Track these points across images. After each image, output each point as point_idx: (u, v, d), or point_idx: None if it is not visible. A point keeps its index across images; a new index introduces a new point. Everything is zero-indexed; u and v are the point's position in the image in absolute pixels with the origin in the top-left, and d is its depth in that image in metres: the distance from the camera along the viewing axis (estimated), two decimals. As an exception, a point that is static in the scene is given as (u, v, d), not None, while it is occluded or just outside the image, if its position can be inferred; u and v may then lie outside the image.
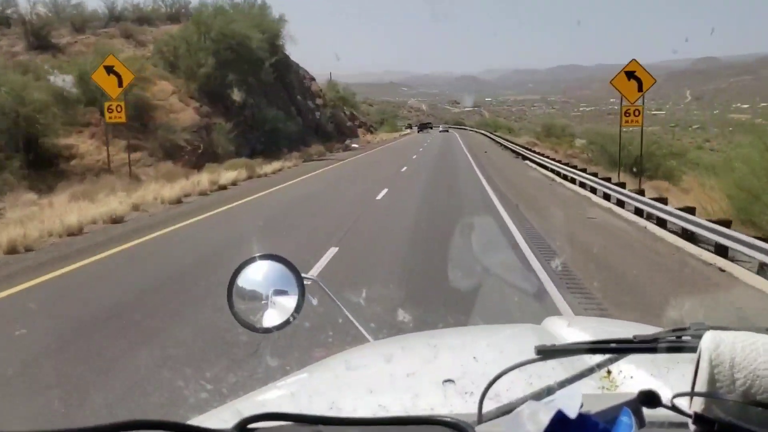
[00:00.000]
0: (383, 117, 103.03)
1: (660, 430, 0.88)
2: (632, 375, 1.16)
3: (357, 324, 1.71)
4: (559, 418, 0.81)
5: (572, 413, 0.82)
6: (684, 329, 0.97)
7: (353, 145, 48.44)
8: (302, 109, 45.42)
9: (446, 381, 1.19)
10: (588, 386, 1.06)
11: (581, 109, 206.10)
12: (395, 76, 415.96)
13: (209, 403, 2.17)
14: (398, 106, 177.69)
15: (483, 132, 77.53)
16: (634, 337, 1.00)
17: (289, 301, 1.56)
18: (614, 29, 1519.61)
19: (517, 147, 37.55)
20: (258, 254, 1.66)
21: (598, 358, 1.02)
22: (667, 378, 1.11)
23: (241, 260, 1.68)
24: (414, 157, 35.80)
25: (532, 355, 0.97)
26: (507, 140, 47.98)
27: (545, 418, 0.80)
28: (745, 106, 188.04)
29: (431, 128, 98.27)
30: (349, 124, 60.59)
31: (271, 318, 1.57)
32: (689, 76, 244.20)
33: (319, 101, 52.02)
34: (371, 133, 70.87)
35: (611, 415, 0.88)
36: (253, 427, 0.82)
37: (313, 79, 56.20)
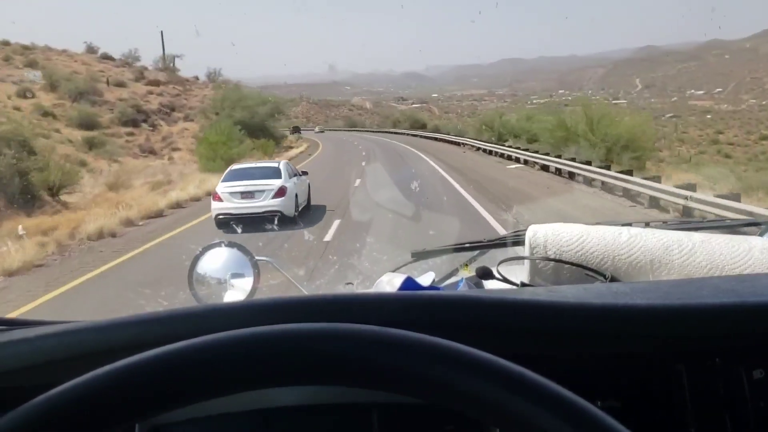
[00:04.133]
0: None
1: None
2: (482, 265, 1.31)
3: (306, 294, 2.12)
4: (412, 286, 1.07)
5: (425, 283, 1.11)
6: (521, 230, 1.22)
7: None
8: None
9: (347, 284, 1.56)
10: (453, 278, 1.32)
11: (534, 101, 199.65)
12: (338, 76, 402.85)
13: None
14: (339, 105, 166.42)
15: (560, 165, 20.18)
16: (484, 238, 1.40)
17: (246, 283, 1.60)
18: (553, 22, 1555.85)
19: None
20: (214, 242, 1.72)
21: (463, 258, 1.34)
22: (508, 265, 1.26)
23: None
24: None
25: (410, 260, 1.35)
26: None
27: (398, 282, 1.07)
28: (701, 92, 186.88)
29: (300, 131, 76.99)
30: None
31: (230, 298, 1.60)
32: (633, 64, 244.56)
33: None
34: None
35: (456, 287, 1.13)
36: None
37: None
